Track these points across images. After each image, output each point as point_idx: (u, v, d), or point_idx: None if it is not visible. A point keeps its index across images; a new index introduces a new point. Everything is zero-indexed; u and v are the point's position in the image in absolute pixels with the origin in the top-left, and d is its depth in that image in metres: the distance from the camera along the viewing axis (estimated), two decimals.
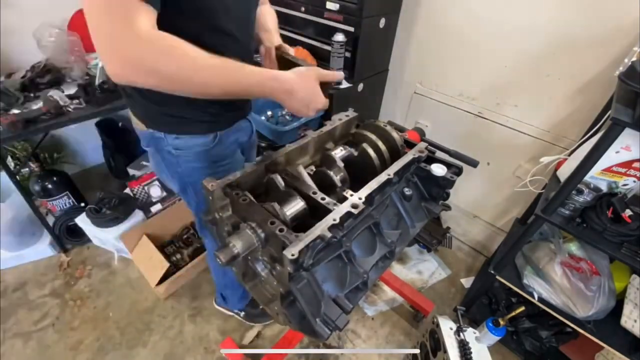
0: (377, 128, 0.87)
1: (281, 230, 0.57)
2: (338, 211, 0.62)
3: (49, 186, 1.84)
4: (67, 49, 1.72)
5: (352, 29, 1.56)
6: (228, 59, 0.61)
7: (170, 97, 0.62)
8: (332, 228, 0.59)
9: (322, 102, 0.73)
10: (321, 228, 0.58)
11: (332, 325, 0.59)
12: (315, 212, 0.66)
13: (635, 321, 1.20)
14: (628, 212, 1.07)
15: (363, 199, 0.66)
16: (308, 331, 0.64)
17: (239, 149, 1.03)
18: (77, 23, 1.89)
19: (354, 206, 0.64)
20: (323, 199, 0.65)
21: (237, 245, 0.59)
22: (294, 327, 0.67)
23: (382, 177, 0.72)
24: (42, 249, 1.88)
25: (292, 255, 0.53)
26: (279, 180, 0.70)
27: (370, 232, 0.76)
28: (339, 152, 0.82)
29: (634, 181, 1.13)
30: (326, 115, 1.75)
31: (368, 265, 0.71)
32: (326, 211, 0.63)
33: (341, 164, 0.77)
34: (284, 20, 1.93)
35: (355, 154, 0.84)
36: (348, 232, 0.69)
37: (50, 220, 1.88)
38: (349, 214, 0.63)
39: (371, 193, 0.69)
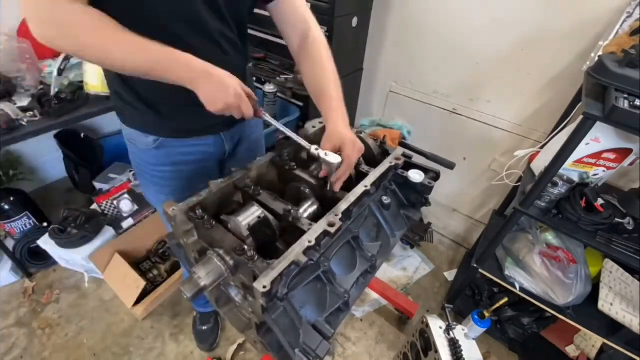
0: None
1: (251, 259, 0.52)
2: (313, 232, 0.58)
3: (6, 207, 1.69)
4: (17, 57, 1.58)
5: (324, 29, 1.51)
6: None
7: (134, 83, 0.73)
8: (307, 251, 0.55)
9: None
10: (295, 252, 0.54)
11: (313, 355, 0.55)
12: (288, 231, 0.62)
13: (611, 304, 1.23)
14: (600, 201, 1.10)
15: (340, 215, 0.62)
16: None
17: (206, 163, 0.93)
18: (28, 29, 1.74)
19: (331, 224, 0.60)
20: (297, 219, 0.60)
21: (204, 276, 0.53)
22: (273, 357, 0.63)
23: (359, 190, 0.69)
24: (4, 275, 1.73)
25: (264, 287, 0.48)
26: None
27: (349, 247, 0.73)
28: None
29: (604, 171, 1.15)
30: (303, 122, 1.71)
31: (349, 283, 0.68)
32: (300, 231, 0.59)
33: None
34: (253, 20, 1.85)
35: None
36: (326, 251, 0.65)
37: (10, 243, 1.74)
38: (325, 233, 0.59)
39: (349, 207, 0.65)
